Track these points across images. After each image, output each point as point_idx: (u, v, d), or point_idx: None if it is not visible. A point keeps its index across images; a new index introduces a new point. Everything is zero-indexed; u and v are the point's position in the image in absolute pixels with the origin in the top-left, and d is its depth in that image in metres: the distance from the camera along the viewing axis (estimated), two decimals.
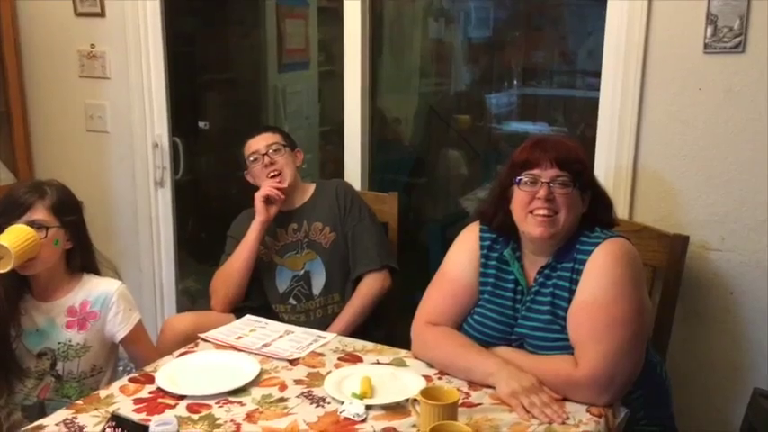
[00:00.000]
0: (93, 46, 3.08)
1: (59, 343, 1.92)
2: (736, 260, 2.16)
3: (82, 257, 1.97)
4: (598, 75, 2.31)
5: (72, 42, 3.12)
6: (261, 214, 2.37)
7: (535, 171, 1.69)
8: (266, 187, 2.38)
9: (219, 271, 2.44)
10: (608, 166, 2.27)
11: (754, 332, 2.18)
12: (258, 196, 2.38)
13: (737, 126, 2.10)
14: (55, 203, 1.89)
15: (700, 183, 2.18)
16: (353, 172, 2.80)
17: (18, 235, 1.78)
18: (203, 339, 1.96)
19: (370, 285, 2.39)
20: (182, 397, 1.64)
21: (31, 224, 1.82)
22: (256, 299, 2.48)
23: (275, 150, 2.42)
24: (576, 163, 1.70)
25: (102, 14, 3.02)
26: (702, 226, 2.18)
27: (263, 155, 2.41)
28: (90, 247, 2.01)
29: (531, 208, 1.68)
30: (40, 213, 1.86)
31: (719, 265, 2.19)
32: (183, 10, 3.19)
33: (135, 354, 2.04)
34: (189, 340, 1.99)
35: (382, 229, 2.51)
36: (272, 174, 2.40)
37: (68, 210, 1.92)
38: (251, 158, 2.44)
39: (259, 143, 2.44)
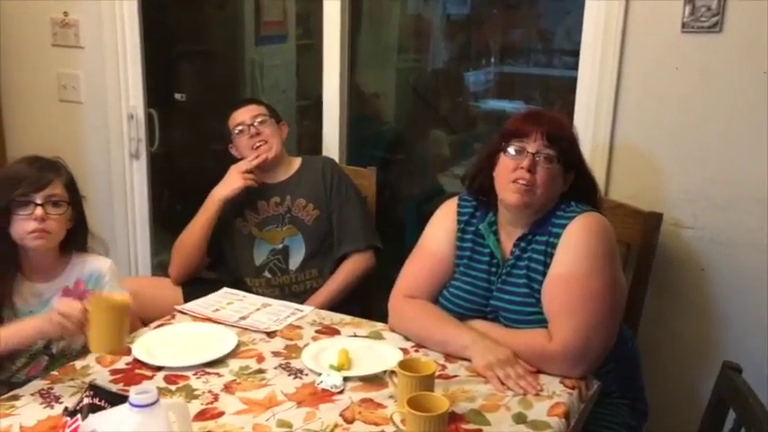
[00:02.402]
0: (66, 14, 3.02)
1: None
2: (708, 238, 2.20)
3: (81, 238, 1.94)
4: (575, 53, 2.32)
5: (44, 10, 3.05)
6: (229, 187, 2.34)
7: (523, 141, 1.71)
8: (248, 161, 2.36)
9: (177, 241, 2.44)
10: (585, 144, 2.28)
11: (724, 308, 2.23)
12: (237, 169, 2.36)
13: (711, 105, 2.13)
14: (68, 181, 1.86)
15: (674, 161, 2.20)
16: (332, 146, 2.79)
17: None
18: (180, 312, 1.96)
19: (355, 265, 2.40)
20: (159, 368, 1.64)
21: (50, 198, 1.79)
22: (227, 275, 2.47)
23: (261, 122, 2.40)
24: (564, 140, 1.72)
25: None
26: (676, 203, 2.21)
27: (249, 125, 2.39)
28: (87, 227, 1.98)
29: (513, 177, 1.69)
30: (58, 188, 1.82)
31: (691, 243, 2.23)
32: None
33: None
34: None
35: (367, 208, 2.51)
36: (258, 144, 2.38)
37: (76, 188, 1.90)
38: (237, 130, 2.41)
39: (244, 114, 2.41)
